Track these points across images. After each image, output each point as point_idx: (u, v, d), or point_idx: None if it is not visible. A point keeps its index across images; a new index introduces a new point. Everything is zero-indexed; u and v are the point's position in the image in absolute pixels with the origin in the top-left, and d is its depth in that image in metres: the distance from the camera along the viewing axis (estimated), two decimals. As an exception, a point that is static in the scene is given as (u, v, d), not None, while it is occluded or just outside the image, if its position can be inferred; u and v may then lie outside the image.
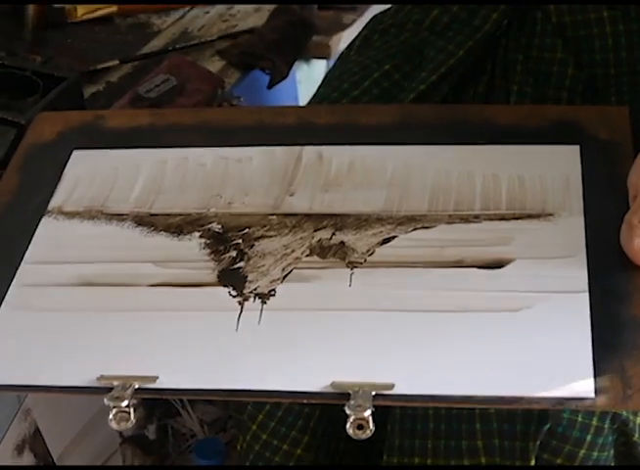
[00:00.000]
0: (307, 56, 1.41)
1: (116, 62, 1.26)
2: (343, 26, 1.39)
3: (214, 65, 1.26)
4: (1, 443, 1.11)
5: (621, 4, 0.91)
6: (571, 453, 0.84)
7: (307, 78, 1.57)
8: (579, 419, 0.84)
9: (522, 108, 0.90)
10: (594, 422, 0.83)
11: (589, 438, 0.83)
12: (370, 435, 0.66)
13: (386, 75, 1.00)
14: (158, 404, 1.35)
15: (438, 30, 1.00)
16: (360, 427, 0.66)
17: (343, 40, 1.37)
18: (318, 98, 1.04)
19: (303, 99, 1.59)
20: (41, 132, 0.91)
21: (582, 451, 0.84)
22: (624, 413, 0.83)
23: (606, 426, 0.83)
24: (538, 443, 0.84)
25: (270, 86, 1.31)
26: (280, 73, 1.29)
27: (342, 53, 1.10)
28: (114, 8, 1.35)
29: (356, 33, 1.11)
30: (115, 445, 1.30)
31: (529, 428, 0.84)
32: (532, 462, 0.85)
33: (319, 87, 1.08)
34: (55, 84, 1.10)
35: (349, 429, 0.66)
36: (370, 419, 0.66)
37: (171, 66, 1.21)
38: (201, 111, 0.95)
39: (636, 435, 0.83)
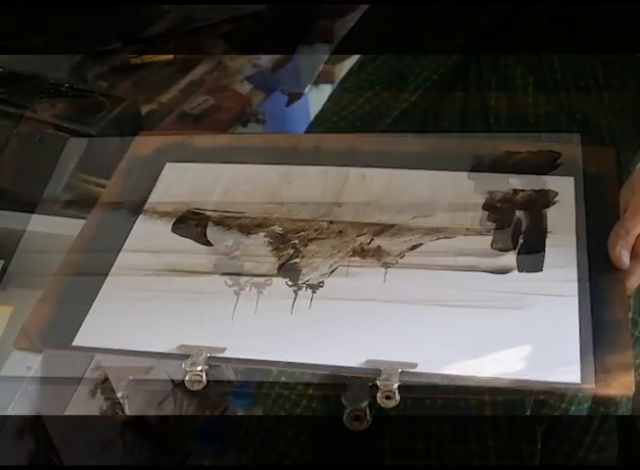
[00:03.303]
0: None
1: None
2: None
3: (244, 87, 1.39)
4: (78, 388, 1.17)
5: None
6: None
7: (317, 99, 1.62)
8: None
9: (526, 144, 0.98)
10: None
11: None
12: (395, 405, 0.72)
13: (376, 94, 1.17)
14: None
15: (417, 57, 1.14)
16: (388, 397, 0.73)
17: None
18: (325, 110, 1.20)
19: (312, 115, 1.59)
20: (141, 148, 1.00)
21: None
22: None
23: None
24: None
25: (288, 104, 1.47)
26: (295, 95, 1.44)
27: (343, 77, 1.26)
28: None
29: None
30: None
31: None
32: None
33: (327, 101, 1.24)
34: (118, 104, 1.22)
35: (379, 399, 0.73)
36: (397, 391, 0.72)
37: (210, 89, 1.36)
38: (271, 137, 1.05)
39: None
